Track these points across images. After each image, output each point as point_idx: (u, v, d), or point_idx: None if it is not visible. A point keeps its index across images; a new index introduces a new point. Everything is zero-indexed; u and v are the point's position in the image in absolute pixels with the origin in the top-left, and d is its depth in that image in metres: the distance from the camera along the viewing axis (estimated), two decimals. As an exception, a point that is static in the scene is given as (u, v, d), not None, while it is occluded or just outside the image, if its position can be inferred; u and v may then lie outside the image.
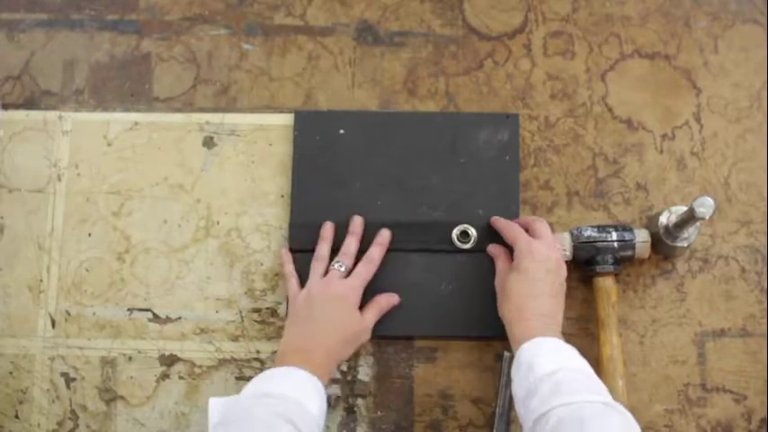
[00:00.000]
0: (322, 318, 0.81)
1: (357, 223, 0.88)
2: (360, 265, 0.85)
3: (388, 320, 0.88)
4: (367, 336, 0.84)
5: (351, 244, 0.86)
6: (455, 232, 0.89)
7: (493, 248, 0.88)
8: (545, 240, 0.83)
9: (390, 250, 0.88)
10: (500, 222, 0.87)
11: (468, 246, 0.89)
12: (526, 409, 0.70)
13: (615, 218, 0.92)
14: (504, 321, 0.81)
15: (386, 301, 0.86)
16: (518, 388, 0.73)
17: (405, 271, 0.89)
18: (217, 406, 0.71)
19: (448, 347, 0.90)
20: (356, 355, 0.89)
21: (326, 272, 0.85)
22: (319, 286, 0.83)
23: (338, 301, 0.82)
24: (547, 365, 0.71)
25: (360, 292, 0.84)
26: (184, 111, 0.96)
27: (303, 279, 0.86)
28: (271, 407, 0.69)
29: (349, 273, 0.85)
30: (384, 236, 0.88)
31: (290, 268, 0.87)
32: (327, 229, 0.88)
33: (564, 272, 0.82)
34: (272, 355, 0.89)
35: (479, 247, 0.89)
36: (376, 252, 0.86)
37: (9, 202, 0.93)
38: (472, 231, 0.89)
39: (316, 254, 0.86)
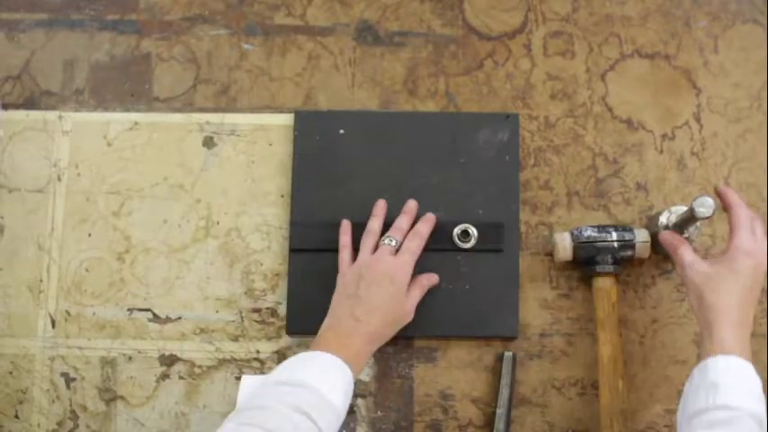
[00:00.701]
0: (368, 298, 0.78)
1: (411, 206, 0.87)
2: (408, 239, 0.83)
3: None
4: (410, 318, 0.82)
5: (403, 221, 0.85)
6: (456, 231, 0.89)
7: (670, 237, 0.81)
8: (758, 240, 0.75)
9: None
10: (731, 198, 0.78)
11: (468, 245, 0.89)
12: (689, 426, 0.67)
13: (615, 218, 0.92)
14: (699, 316, 0.74)
15: (427, 279, 0.85)
16: (692, 402, 0.68)
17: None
18: (246, 386, 0.70)
19: (448, 347, 0.90)
20: (356, 355, 0.89)
21: (376, 247, 0.83)
22: (369, 262, 0.81)
23: (387, 280, 0.79)
24: (731, 399, 0.66)
25: (410, 269, 0.81)
26: (184, 111, 0.96)
27: (311, 277, 0.87)
28: (288, 396, 0.68)
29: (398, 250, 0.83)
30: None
31: (345, 239, 0.86)
32: (380, 207, 0.87)
33: (765, 278, 0.76)
34: (273, 356, 0.89)
35: (480, 247, 0.89)
36: (424, 227, 0.85)
37: (9, 202, 0.93)
38: (473, 231, 0.89)
39: (367, 228, 0.85)
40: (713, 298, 0.73)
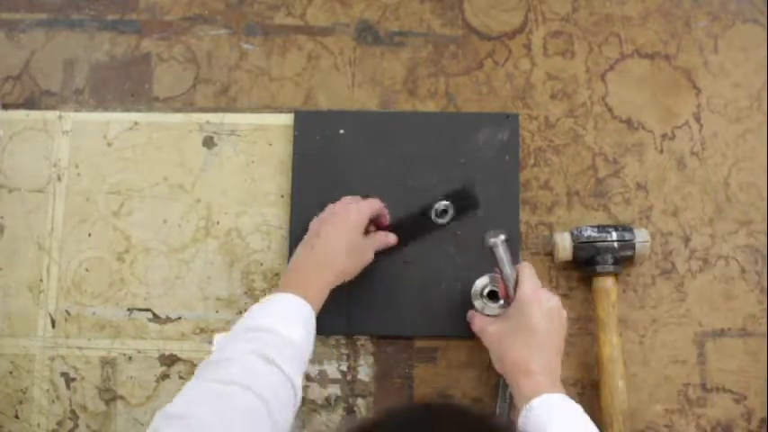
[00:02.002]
0: (323, 232, 0.81)
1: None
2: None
3: (388, 320, 0.88)
4: (370, 254, 0.84)
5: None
6: (435, 208, 0.90)
7: (469, 314, 0.86)
8: (542, 288, 0.80)
9: (390, 251, 0.88)
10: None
11: (445, 220, 0.90)
12: None
13: (615, 218, 0.92)
14: (505, 374, 0.78)
15: (385, 236, 0.88)
16: None
17: (404, 271, 0.89)
18: (218, 344, 0.73)
19: (448, 347, 0.90)
20: (356, 355, 0.89)
21: None
22: (327, 208, 0.85)
23: (341, 215, 0.83)
24: None
25: (364, 215, 0.83)
26: (184, 111, 0.96)
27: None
28: (248, 343, 0.69)
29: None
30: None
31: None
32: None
33: (565, 322, 0.79)
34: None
35: (457, 216, 0.90)
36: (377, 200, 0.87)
37: (9, 202, 0.93)
38: (449, 207, 0.90)
39: None
40: (513, 354, 0.76)
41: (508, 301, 0.81)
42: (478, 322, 0.83)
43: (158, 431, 0.60)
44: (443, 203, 0.90)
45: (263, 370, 0.67)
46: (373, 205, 0.85)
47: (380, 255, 0.87)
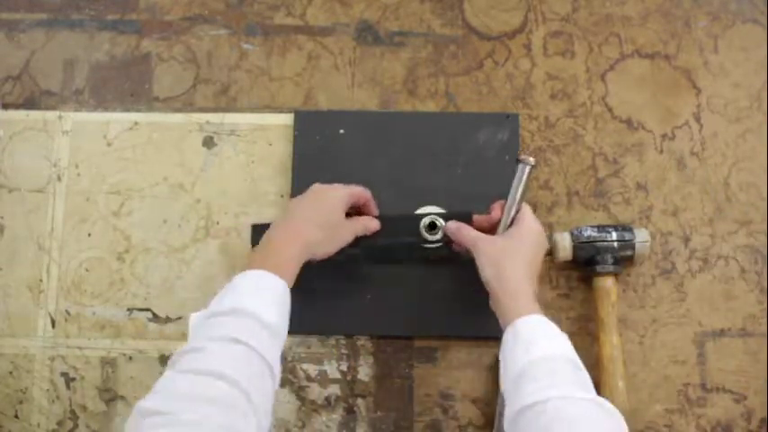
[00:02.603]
0: (298, 207, 0.81)
1: None
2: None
3: (388, 320, 0.88)
4: (348, 235, 0.82)
5: None
6: (422, 224, 0.86)
7: (452, 225, 0.84)
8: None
9: (390, 250, 0.88)
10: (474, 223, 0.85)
11: (437, 237, 0.86)
12: (517, 387, 0.69)
13: (615, 218, 0.92)
14: (490, 286, 0.78)
15: (368, 220, 0.86)
16: (511, 363, 0.71)
17: (404, 271, 0.89)
18: (193, 324, 0.70)
19: (448, 347, 0.90)
20: (356, 355, 0.89)
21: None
22: (311, 188, 0.84)
23: (316, 192, 0.82)
24: (546, 349, 0.71)
25: (343, 195, 0.83)
26: (184, 111, 0.96)
27: (310, 276, 0.86)
28: (219, 328, 0.67)
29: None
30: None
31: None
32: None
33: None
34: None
35: (447, 239, 0.86)
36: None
37: (9, 202, 0.93)
38: (440, 222, 0.86)
39: None
40: (512, 267, 0.77)
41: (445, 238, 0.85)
42: (474, 234, 0.82)
43: (137, 429, 0.59)
44: (431, 218, 0.86)
45: (238, 356, 0.65)
46: (354, 190, 0.84)
47: (370, 249, 0.86)
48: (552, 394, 0.66)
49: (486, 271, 0.78)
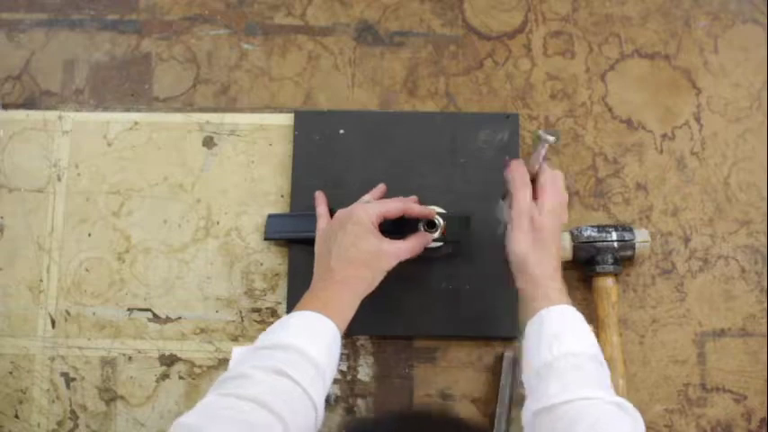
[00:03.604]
0: (337, 245, 0.77)
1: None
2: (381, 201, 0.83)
3: (388, 320, 0.88)
4: (390, 259, 0.78)
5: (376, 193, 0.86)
6: (421, 222, 0.84)
7: (521, 170, 0.78)
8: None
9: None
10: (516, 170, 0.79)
11: (435, 234, 0.84)
12: (539, 382, 0.68)
13: (615, 218, 0.92)
14: (517, 265, 0.75)
15: (423, 237, 0.82)
16: (535, 355, 0.70)
17: (404, 271, 0.89)
18: (236, 356, 0.69)
19: (448, 347, 0.90)
20: (356, 355, 0.89)
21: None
22: (337, 215, 0.80)
23: (350, 221, 0.78)
24: (571, 345, 0.69)
25: (374, 212, 0.78)
26: (184, 111, 0.96)
27: (303, 274, 0.86)
28: (265, 360, 0.67)
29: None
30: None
31: (322, 209, 0.85)
32: (380, 189, 0.87)
33: None
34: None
35: (447, 239, 0.85)
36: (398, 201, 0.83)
37: (9, 202, 0.93)
38: (439, 221, 0.84)
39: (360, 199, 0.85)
40: (537, 259, 0.74)
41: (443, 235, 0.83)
42: (522, 206, 0.76)
43: None
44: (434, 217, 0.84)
45: (282, 388, 0.65)
46: (383, 209, 0.80)
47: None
48: (575, 395, 0.66)
49: (517, 257, 0.76)
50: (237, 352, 0.70)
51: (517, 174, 0.77)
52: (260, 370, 0.65)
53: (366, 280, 0.77)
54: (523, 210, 0.76)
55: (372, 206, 0.80)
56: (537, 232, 0.75)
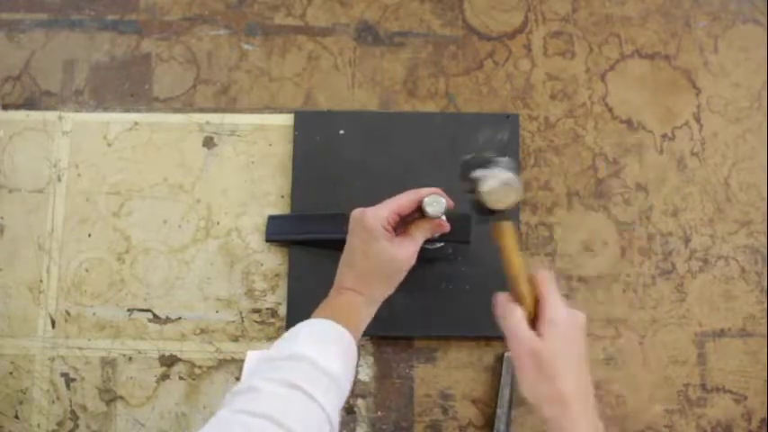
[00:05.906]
0: (348, 253, 0.75)
1: None
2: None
3: (388, 320, 0.88)
4: (403, 264, 0.75)
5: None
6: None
7: (503, 300, 0.70)
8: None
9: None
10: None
11: (436, 236, 0.81)
12: None
13: (615, 218, 0.92)
14: (552, 403, 0.64)
15: (437, 226, 0.78)
16: None
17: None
18: (250, 361, 0.67)
19: (448, 347, 0.90)
20: (356, 356, 0.89)
21: None
22: (351, 217, 0.76)
23: (359, 226, 0.74)
24: None
25: (384, 214, 0.74)
26: (184, 111, 0.96)
27: (311, 276, 0.87)
28: (279, 372, 0.64)
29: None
30: None
31: None
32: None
33: None
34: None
35: (447, 239, 0.83)
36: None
37: (9, 202, 0.93)
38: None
39: None
40: (557, 381, 0.64)
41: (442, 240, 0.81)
42: (522, 334, 0.66)
43: None
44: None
45: (294, 402, 0.63)
46: (395, 205, 0.75)
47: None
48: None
49: (530, 379, 0.66)
50: (252, 356, 0.68)
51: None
52: (271, 383, 0.63)
53: (381, 286, 0.75)
54: (522, 343, 0.66)
55: (382, 207, 0.75)
56: (546, 368, 0.64)
